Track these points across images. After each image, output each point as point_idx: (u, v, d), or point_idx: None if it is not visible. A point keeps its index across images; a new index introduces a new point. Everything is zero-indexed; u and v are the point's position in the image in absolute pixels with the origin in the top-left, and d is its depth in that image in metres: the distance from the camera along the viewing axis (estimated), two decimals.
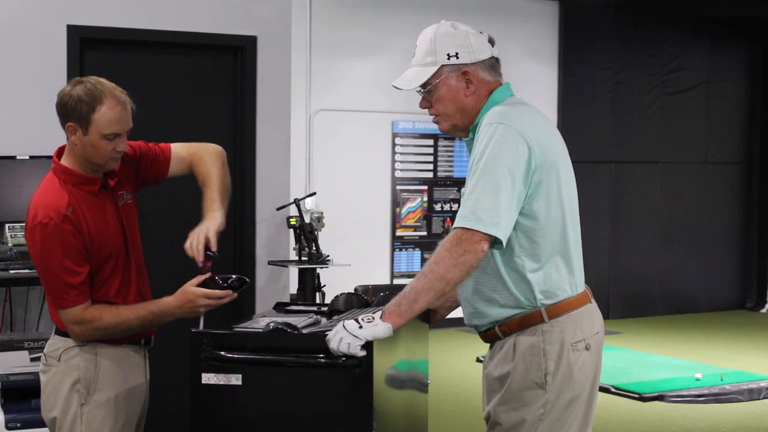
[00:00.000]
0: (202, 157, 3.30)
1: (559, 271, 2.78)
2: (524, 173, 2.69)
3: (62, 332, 3.11)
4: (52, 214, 2.96)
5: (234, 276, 3.05)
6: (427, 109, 2.92)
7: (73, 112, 2.99)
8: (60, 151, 3.12)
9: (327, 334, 2.61)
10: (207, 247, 3.03)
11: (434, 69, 2.83)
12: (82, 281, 3.00)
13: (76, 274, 2.98)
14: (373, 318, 2.62)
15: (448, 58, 2.82)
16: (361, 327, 2.59)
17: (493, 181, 2.64)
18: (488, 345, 2.92)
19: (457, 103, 2.85)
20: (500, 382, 2.81)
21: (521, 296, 2.77)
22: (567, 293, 2.80)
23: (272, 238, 5.73)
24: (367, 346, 2.57)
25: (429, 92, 2.86)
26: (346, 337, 2.57)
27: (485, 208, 2.62)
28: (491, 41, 2.88)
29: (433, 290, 2.63)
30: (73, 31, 5.21)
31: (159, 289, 3.24)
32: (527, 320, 2.77)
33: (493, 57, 2.87)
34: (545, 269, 2.76)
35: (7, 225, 4.94)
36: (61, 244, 2.96)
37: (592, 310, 2.87)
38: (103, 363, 3.09)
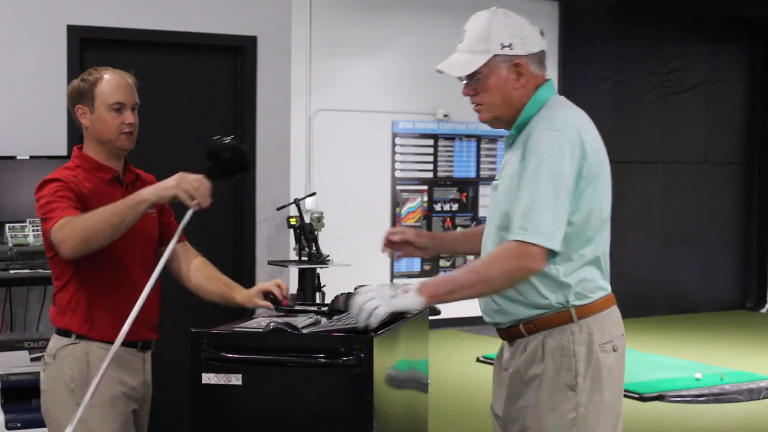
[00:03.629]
0: (206, 267, 3.36)
1: (593, 273, 2.74)
2: (577, 183, 2.65)
3: (60, 331, 3.15)
4: (59, 177, 3.09)
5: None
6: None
7: (78, 95, 3.16)
8: (79, 148, 3.24)
9: (357, 294, 2.61)
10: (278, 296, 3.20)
11: (486, 58, 2.72)
12: (74, 207, 3.02)
13: (69, 200, 3.03)
14: (408, 291, 2.60)
15: (502, 48, 2.72)
16: (394, 297, 2.58)
17: (552, 192, 2.59)
18: (504, 342, 2.87)
19: (504, 94, 2.75)
20: (529, 384, 2.75)
21: (552, 298, 2.71)
22: (598, 294, 2.75)
23: (272, 238, 5.73)
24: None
25: (477, 81, 2.76)
26: (377, 300, 2.55)
27: (546, 221, 2.58)
28: (542, 33, 2.80)
29: (474, 290, 2.62)
30: (73, 31, 5.21)
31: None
32: (555, 320, 2.71)
33: (542, 50, 2.79)
34: (580, 272, 2.71)
35: (7, 225, 4.94)
36: (60, 187, 3.05)
37: (616, 312, 2.82)
38: (96, 363, 3.07)
